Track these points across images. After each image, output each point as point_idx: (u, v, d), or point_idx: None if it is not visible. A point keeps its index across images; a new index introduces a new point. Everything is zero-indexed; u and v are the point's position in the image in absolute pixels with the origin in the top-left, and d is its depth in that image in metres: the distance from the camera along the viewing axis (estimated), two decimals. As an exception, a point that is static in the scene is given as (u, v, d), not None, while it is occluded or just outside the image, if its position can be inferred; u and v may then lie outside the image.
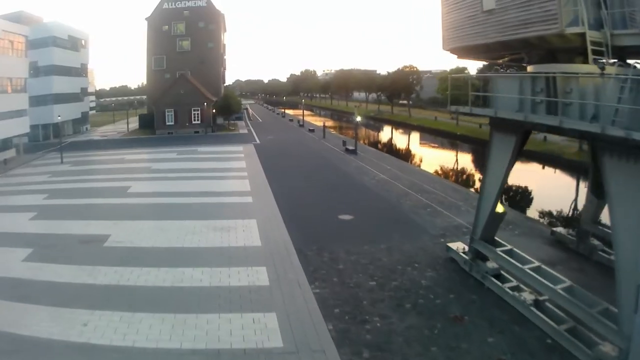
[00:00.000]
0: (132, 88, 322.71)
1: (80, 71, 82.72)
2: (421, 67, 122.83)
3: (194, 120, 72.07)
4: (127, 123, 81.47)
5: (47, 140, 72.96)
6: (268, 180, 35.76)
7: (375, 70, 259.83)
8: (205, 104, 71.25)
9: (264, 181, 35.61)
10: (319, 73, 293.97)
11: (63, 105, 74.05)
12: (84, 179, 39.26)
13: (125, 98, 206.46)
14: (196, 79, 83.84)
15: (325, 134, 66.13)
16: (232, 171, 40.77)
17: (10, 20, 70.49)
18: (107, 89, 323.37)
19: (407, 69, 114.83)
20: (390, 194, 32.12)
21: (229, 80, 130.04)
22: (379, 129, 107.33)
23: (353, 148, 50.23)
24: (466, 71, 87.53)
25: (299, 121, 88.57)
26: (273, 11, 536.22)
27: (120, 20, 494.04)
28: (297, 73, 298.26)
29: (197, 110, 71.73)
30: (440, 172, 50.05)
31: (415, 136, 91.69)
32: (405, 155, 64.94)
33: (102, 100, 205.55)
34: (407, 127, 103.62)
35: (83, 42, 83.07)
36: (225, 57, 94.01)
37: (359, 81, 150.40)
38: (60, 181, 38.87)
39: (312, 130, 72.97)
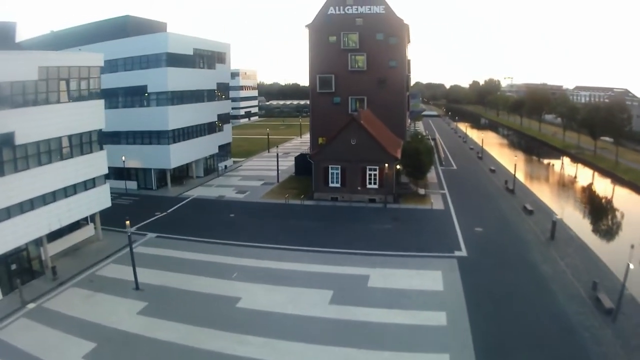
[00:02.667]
0: (302, 85, 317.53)
1: (218, 93, 63.85)
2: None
3: (370, 183, 48.23)
4: (277, 169, 59.70)
5: (162, 187, 55.39)
6: None
7: (562, 86, 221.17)
8: (387, 164, 46.62)
9: None
10: (503, 83, 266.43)
11: (186, 142, 55.76)
12: None
13: (295, 102, 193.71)
14: (374, 109, 61.66)
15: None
16: None
17: (115, 28, 54.11)
18: (282, 83, 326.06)
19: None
20: None
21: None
22: (593, 184, 72.53)
23: None
24: None
25: (526, 208, 46.72)
26: (453, 11, 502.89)
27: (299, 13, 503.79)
28: (479, 79, 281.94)
29: (375, 169, 47.71)
30: None
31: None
32: None
33: (267, 103, 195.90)
34: (618, 182, 69.45)
35: (222, 55, 63.97)
36: (410, 75, 68.83)
37: (553, 106, 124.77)
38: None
39: (569, 241, 41.40)
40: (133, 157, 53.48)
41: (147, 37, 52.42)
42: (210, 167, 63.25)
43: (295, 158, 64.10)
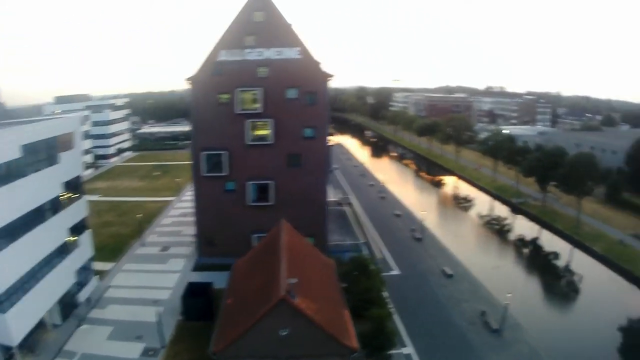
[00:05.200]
0: (179, 90, 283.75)
1: (67, 195, 42.67)
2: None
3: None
4: (159, 325, 38.64)
5: None
6: None
7: (466, 97, 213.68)
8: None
9: None
10: (394, 85, 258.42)
11: (30, 294, 36.89)
12: None
13: (170, 130, 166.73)
14: (284, 199, 47.40)
15: None
16: None
17: None
18: (155, 90, 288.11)
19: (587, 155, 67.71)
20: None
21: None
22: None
23: None
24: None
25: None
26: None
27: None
28: (363, 83, 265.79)
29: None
30: None
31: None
32: None
33: (141, 131, 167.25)
34: (592, 256, 61.16)
35: (68, 137, 42.85)
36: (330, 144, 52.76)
37: (482, 142, 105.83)
38: None
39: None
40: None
41: None
42: (68, 304, 42.43)
43: (182, 297, 42.60)
